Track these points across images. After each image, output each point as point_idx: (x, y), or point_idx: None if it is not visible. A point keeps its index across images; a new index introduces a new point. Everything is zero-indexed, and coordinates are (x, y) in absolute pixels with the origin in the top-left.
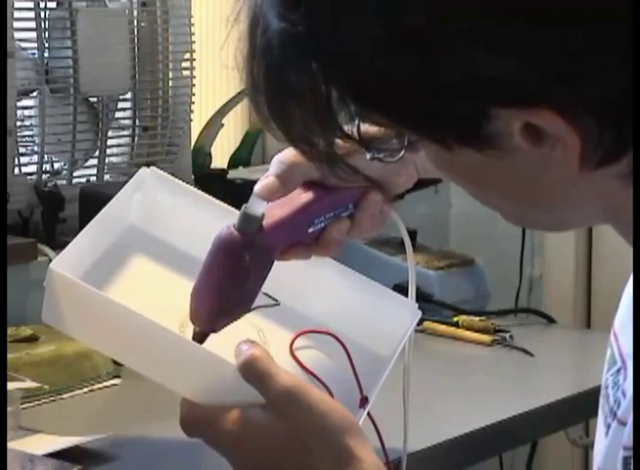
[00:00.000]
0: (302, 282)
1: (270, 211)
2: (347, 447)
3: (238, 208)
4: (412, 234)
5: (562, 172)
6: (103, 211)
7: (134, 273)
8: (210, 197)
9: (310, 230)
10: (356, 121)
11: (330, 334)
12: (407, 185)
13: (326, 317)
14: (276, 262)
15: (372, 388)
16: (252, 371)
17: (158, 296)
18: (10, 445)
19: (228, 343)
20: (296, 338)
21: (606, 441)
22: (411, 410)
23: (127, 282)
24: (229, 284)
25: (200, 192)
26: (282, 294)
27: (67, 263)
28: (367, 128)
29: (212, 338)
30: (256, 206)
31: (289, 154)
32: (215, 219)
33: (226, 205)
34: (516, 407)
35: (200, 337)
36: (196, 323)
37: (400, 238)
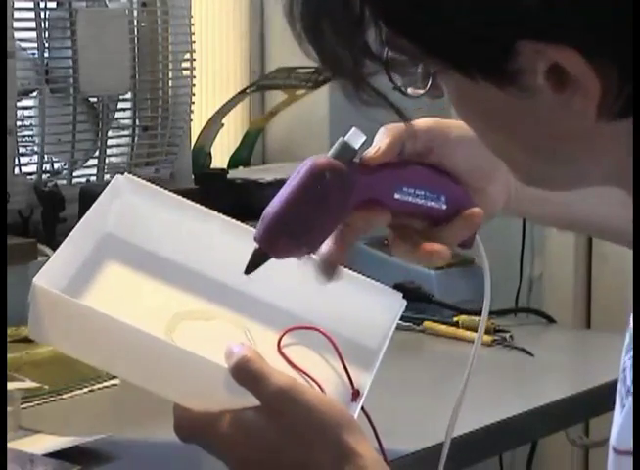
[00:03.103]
0: (286, 279)
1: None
2: (347, 444)
3: (238, 208)
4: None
5: (579, 122)
6: (81, 221)
7: (116, 282)
8: (189, 201)
9: (396, 196)
10: (385, 49)
11: (316, 329)
12: (500, 200)
13: (311, 313)
14: (264, 266)
15: (365, 381)
16: (245, 373)
17: (141, 303)
18: (10, 445)
19: (216, 345)
20: (282, 336)
21: (620, 418)
22: (410, 410)
23: (110, 292)
24: (301, 200)
25: (177, 197)
26: (266, 292)
27: (49, 277)
28: (393, 56)
29: (199, 341)
30: (355, 138)
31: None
32: (194, 223)
33: (206, 208)
34: (516, 407)
35: (256, 258)
36: (256, 238)
37: None
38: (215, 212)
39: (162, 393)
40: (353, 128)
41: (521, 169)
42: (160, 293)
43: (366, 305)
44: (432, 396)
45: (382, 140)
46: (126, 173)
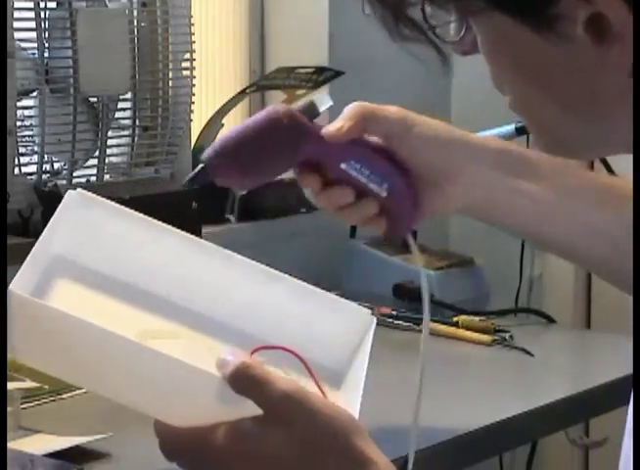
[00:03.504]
0: (250, 299)
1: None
2: (359, 450)
3: (238, 208)
4: (412, 234)
5: (613, 76)
6: (37, 243)
7: (71, 303)
8: (145, 216)
9: (342, 166)
10: None
11: (285, 349)
12: (458, 201)
13: (277, 333)
14: (226, 283)
15: (351, 402)
16: (246, 379)
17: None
18: (10, 445)
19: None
20: (251, 355)
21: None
22: (410, 410)
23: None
24: (254, 135)
25: (133, 212)
26: (229, 312)
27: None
28: None
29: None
30: (322, 101)
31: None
32: (151, 239)
33: (161, 223)
34: (516, 407)
35: (198, 175)
36: (203, 158)
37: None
38: (174, 228)
39: (142, 406)
40: (324, 92)
41: (547, 128)
42: (119, 313)
43: (333, 325)
44: (431, 396)
45: (346, 120)
46: (78, 188)
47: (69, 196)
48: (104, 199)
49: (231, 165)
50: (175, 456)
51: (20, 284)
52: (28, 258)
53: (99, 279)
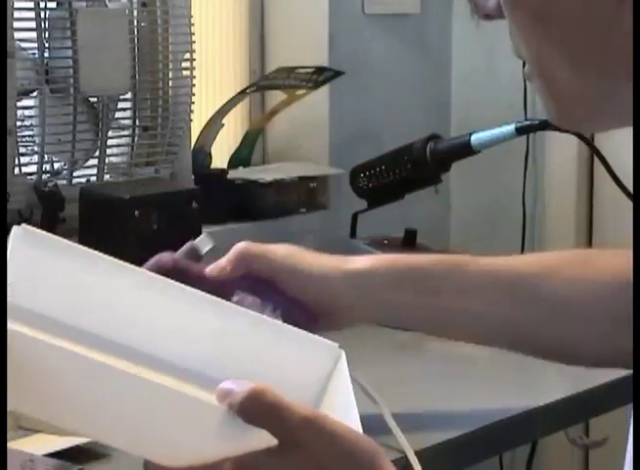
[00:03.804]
0: (208, 338)
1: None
2: (383, 469)
3: (238, 208)
4: (412, 234)
5: (623, 35)
6: None
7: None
8: (96, 252)
9: (234, 298)
10: None
11: None
12: (350, 325)
13: (238, 374)
14: (180, 321)
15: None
16: (261, 406)
17: None
18: (10, 445)
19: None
20: None
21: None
22: (410, 409)
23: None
24: None
25: (83, 248)
26: (188, 354)
27: None
28: None
29: None
30: (204, 243)
31: (246, 245)
32: (99, 277)
33: (113, 258)
34: (516, 407)
35: None
36: None
37: (401, 238)
38: (124, 263)
39: (131, 446)
40: (204, 234)
41: (560, 89)
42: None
43: (296, 361)
44: (431, 395)
45: (229, 260)
46: (23, 224)
47: (15, 232)
48: (50, 235)
49: None
50: None
51: None
52: None
53: (46, 323)
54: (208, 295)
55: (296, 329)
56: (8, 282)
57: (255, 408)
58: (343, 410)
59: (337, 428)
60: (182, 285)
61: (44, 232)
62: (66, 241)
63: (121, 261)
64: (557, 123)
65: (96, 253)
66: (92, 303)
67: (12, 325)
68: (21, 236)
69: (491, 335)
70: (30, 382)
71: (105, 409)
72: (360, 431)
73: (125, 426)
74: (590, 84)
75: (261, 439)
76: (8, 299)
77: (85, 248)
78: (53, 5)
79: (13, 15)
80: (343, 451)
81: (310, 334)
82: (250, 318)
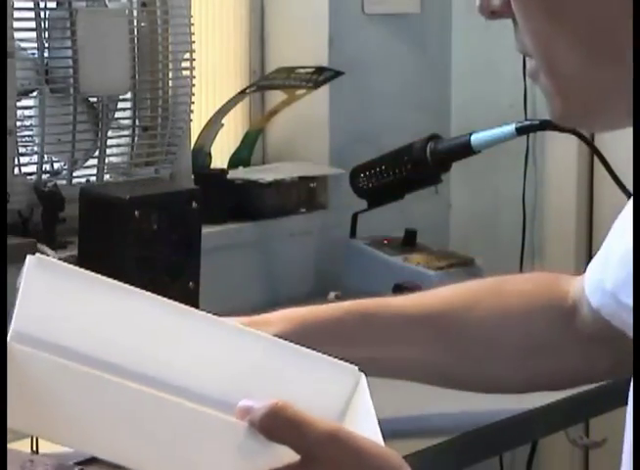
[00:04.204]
0: (226, 364)
1: None
2: None
3: (238, 208)
4: (412, 234)
5: (628, 21)
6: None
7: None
8: (110, 280)
9: None
10: None
11: None
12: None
13: (251, 396)
14: (197, 346)
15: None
16: (283, 421)
17: None
18: (10, 445)
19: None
20: None
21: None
22: (410, 410)
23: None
24: None
25: (96, 276)
26: (206, 380)
27: None
28: None
29: None
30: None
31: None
32: (113, 304)
33: (124, 284)
34: (516, 407)
35: None
36: None
37: (401, 238)
38: (136, 289)
39: (148, 466)
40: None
41: (568, 81)
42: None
43: (316, 385)
44: (431, 396)
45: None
46: (37, 254)
47: (29, 262)
48: (63, 264)
49: None
50: None
51: None
52: None
53: (60, 352)
54: (224, 318)
55: (314, 352)
56: (23, 314)
57: (277, 424)
58: (366, 431)
59: (361, 442)
60: (199, 311)
61: (59, 261)
62: (80, 270)
63: (136, 288)
64: (561, 121)
65: (110, 280)
66: (108, 331)
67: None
68: (35, 265)
69: (416, 375)
70: (46, 405)
71: (122, 430)
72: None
73: (144, 446)
74: (600, 77)
75: (282, 455)
76: (24, 330)
77: (99, 276)
78: (53, 5)
79: (13, 15)
80: (369, 466)
81: (329, 357)
82: (269, 342)
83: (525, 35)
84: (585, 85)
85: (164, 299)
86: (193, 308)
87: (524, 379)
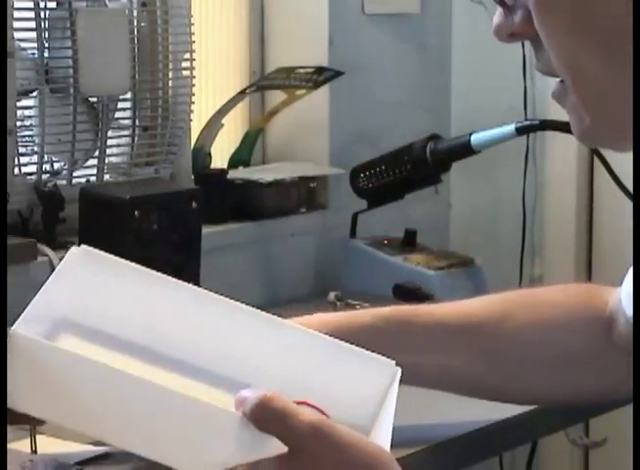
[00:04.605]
0: (266, 355)
1: None
2: None
3: (238, 208)
4: (412, 234)
5: None
6: (34, 301)
7: None
8: (153, 271)
9: None
10: None
11: (305, 403)
12: None
13: (297, 390)
14: (237, 337)
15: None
16: (270, 411)
17: None
18: (10, 445)
19: None
20: None
21: None
22: (410, 410)
23: None
24: None
25: (140, 267)
26: (245, 369)
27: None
28: None
29: None
30: None
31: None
32: (154, 294)
33: (168, 277)
34: (516, 407)
35: None
36: None
37: (401, 238)
38: (183, 282)
39: (153, 453)
40: None
41: (602, 105)
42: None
43: (354, 378)
44: (431, 396)
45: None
46: (83, 245)
47: (72, 253)
48: (108, 255)
49: None
50: None
51: None
52: (29, 316)
53: (104, 338)
54: (265, 313)
55: (353, 347)
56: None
57: (264, 415)
58: (382, 426)
59: (344, 437)
60: (237, 303)
61: (100, 252)
62: (123, 260)
63: (175, 279)
64: (590, 141)
65: (152, 271)
66: (145, 318)
67: (69, 340)
68: (78, 255)
69: (446, 384)
70: (59, 392)
71: (127, 417)
72: (388, 444)
73: (145, 433)
74: (618, 75)
75: (276, 446)
76: (66, 315)
77: (141, 267)
78: (53, 5)
79: (13, 15)
80: (351, 461)
81: (367, 351)
82: (308, 336)
83: (551, 52)
84: (615, 100)
85: (210, 293)
86: (235, 302)
87: (560, 391)
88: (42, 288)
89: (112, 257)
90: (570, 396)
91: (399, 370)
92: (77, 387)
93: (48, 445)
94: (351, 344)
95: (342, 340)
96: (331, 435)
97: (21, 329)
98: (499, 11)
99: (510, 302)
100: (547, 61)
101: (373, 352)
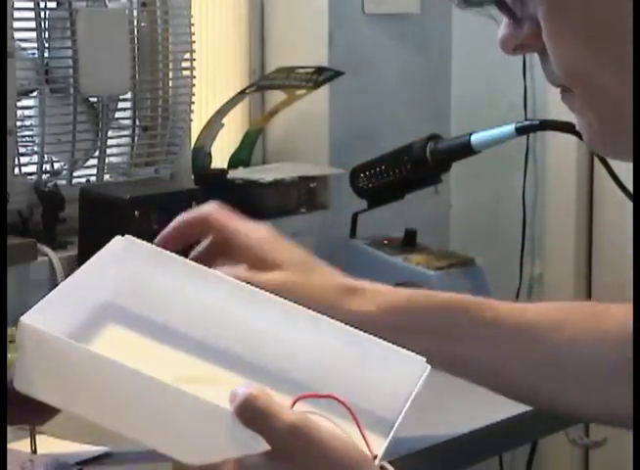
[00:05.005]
0: (299, 347)
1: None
2: None
3: (238, 208)
4: (412, 234)
5: None
6: (74, 281)
7: (114, 346)
8: (193, 263)
9: None
10: None
11: (331, 396)
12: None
13: (325, 382)
14: (272, 329)
15: (380, 444)
16: (252, 411)
17: (141, 366)
18: (10, 445)
19: None
20: (295, 402)
21: None
22: (411, 410)
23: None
24: None
25: (182, 258)
26: (277, 360)
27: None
28: None
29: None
30: None
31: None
32: (195, 285)
33: (209, 269)
34: (516, 407)
35: None
36: None
37: (401, 238)
38: (216, 272)
39: (154, 443)
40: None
41: (615, 113)
42: (163, 358)
43: (385, 373)
44: (432, 395)
45: (169, 225)
46: (127, 235)
47: (116, 242)
48: (151, 245)
49: None
50: None
51: (58, 326)
52: (57, 293)
53: (146, 326)
54: (301, 307)
55: (384, 342)
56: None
57: (248, 413)
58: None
59: (324, 438)
60: (278, 297)
61: (143, 242)
62: (165, 251)
63: (217, 271)
64: (604, 150)
65: (193, 263)
66: (185, 307)
67: (113, 327)
68: (122, 243)
69: (493, 385)
70: (75, 384)
71: (134, 411)
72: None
73: (149, 425)
74: (626, 83)
75: (264, 443)
76: (112, 300)
77: (182, 257)
78: (53, 5)
79: (13, 15)
80: (332, 461)
81: (398, 347)
82: (342, 331)
83: (560, 62)
84: (626, 109)
85: (247, 286)
86: (275, 296)
87: (604, 403)
88: (78, 272)
89: (154, 247)
90: (606, 413)
91: (428, 368)
92: (89, 380)
93: (48, 445)
94: (419, 326)
95: (387, 320)
96: (311, 435)
97: (55, 312)
98: (505, 23)
99: (572, 310)
100: (555, 71)
101: (424, 335)
